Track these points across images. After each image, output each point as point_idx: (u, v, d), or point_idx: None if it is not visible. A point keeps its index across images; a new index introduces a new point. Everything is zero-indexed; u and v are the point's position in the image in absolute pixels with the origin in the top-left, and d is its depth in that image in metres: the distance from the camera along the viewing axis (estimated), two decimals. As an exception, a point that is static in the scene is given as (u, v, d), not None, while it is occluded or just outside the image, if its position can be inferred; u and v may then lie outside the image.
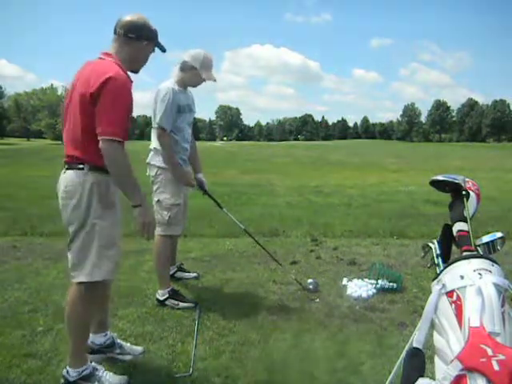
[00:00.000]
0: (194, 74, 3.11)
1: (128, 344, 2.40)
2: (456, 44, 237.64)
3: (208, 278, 3.71)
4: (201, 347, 2.48)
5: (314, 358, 2.39)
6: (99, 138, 1.89)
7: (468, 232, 1.50)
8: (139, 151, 3.22)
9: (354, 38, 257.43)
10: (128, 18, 2.10)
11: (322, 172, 15.97)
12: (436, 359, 1.29)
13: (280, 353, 2.45)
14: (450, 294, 1.30)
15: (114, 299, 2.90)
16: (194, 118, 3.37)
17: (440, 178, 1.68)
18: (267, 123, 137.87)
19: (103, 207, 1.98)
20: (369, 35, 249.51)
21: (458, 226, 1.53)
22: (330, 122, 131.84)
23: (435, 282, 1.38)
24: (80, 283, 2.00)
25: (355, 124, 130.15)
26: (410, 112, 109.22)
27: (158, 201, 3.09)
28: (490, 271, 1.29)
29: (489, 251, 1.50)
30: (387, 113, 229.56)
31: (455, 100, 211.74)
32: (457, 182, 1.61)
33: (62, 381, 2.04)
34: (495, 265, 1.33)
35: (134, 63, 2.13)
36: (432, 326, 1.33)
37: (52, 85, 69.84)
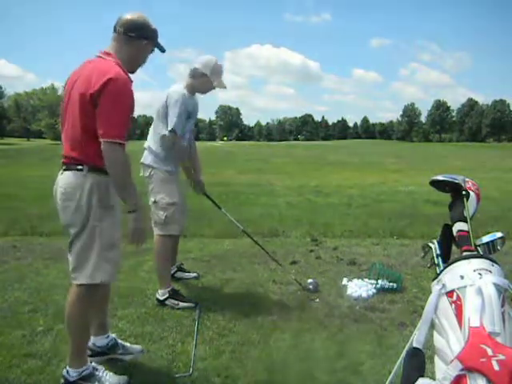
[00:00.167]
0: (204, 81, 3.13)
1: (128, 344, 2.40)
2: (456, 44, 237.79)
3: (208, 278, 3.71)
4: (201, 347, 2.48)
5: (314, 358, 2.39)
6: (101, 139, 1.87)
7: (468, 232, 1.50)
8: (139, 151, 3.21)
9: (353, 38, 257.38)
10: (128, 16, 2.08)
11: (322, 172, 15.96)
12: (436, 359, 1.29)
13: (280, 353, 2.45)
14: (450, 293, 1.30)
15: (114, 299, 2.90)
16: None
17: (440, 178, 1.67)
18: (267, 123, 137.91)
19: (103, 209, 1.95)
20: (369, 35, 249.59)
21: (458, 226, 1.53)
22: (330, 122, 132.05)
23: (435, 282, 1.38)
24: (80, 285, 2.00)
25: (355, 124, 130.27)
26: (410, 112, 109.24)
27: (154, 201, 3.10)
28: (490, 271, 1.29)
29: (489, 251, 1.50)
30: (387, 113, 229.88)
31: (455, 100, 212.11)
32: (457, 182, 1.61)
33: (62, 381, 2.04)
34: (495, 265, 1.33)
35: (134, 63, 2.11)
36: (432, 325, 1.33)
37: (52, 85, 69.82)
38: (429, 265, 1.59)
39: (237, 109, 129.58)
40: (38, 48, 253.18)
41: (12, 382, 2.10)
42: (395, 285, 3.40)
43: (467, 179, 1.63)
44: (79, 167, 1.94)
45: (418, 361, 1.30)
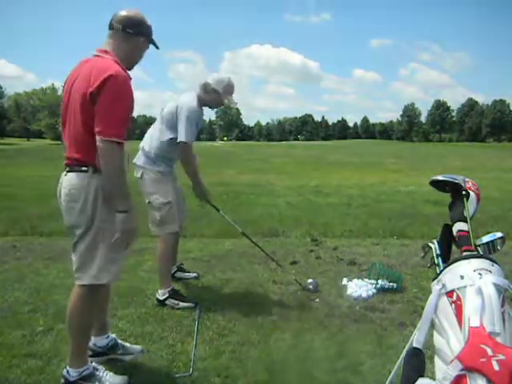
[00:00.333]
0: (215, 97, 3.17)
1: (128, 344, 2.40)
2: (456, 44, 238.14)
3: (208, 278, 3.71)
4: (201, 347, 2.48)
5: (314, 358, 2.39)
6: (98, 137, 1.84)
7: (468, 232, 1.50)
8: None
9: (353, 38, 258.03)
10: (125, 12, 2.05)
11: (322, 172, 15.96)
12: (436, 359, 1.29)
13: (280, 353, 2.45)
14: (450, 293, 1.30)
15: (114, 299, 2.90)
16: None
17: (440, 178, 1.68)
18: (267, 123, 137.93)
19: (108, 210, 1.93)
20: (368, 35, 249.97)
21: (458, 226, 1.53)
22: (330, 122, 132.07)
23: (435, 282, 1.38)
24: (84, 285, 1.99)
25: (355, 124, 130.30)
26: (410, 112, 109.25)
27: (149, 202, 3.11)
28: (490, 271, 1.29)
29: (489, 251, 1.50)
30: (387, 113, 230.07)
31: (455, 100, 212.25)
32: (457, 182, 1.61)
33: (62, 381, 2.03)
34: (495, 265, 1.33)
35: (131, 60, 2.09)
36: (432, 325, 1.33)
37: (52, 85, 69.76)
38: (429, 265, 1.59)
39: (237, 109, 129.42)
40: (38, 48, 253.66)
41: (12, 382, 2.10)
42: (395, 285, 3.40)
43: (467, 179, 1.63)
44: (84, 168, 1.93)
45: (418, 361, 1.30)
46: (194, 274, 3.68)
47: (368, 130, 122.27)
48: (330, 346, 2.51)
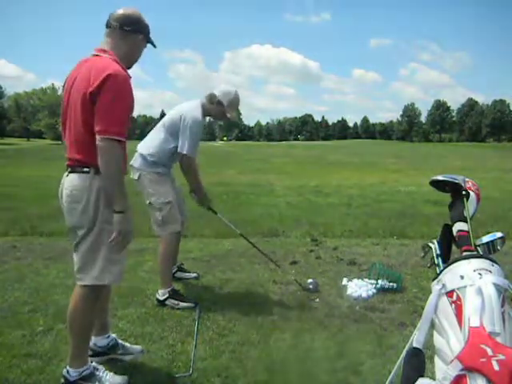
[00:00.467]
0: (219, 110, 3.18)
1: (128, 344, 2.40)
2: (456, 44, 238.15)
3: (208, 278, 3.71)
4: (201, 347, 2.47)
5: (314, 358, 2.39)
6: (98, 136, 1.83)
7: (468, 232, 1.50)
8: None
9: (353, 38, 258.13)
10: (123, 11, 2.04)
11: (322, 172, 15.97)
12: (436, 359, 1.29)
13: (280, 353, 2.45)
14: (450, 293, 1.30)
15: (114, 299, 2.90)
16: None
17: (440, 178, 1.68)
18: (267, 123, 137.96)
19: (110, 211, 1.93)
20: (368, 35, 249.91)
21: (458, 226, 1.53)
22: (330, 122, 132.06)
23: (435, 282, 1.38)
24: (85, 286, 1.99)
25: (355, 124, 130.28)
26: (410, 112, 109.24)
27: (150, 203, 3.11)
28: (490, 271, 1.29)
29: (489, 251, 1.50)
30: (387, 113, 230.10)
31: (455, 100, 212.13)
32: (457, 182, 1.61)
33: (63, 381, 2.03)
34: (495, 265, 1.33)
35: (130, 58, 2.08)
36: (432, 325, 1.33)
37: (52, 85, 69.76)
38: (429, 265, 1.59)
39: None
40: (38, 48, 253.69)
41: (12, 382, 2.10)
42: (395, 285, 3.40)
43: (467, 179, 1.63)
44: (85, 169, 1.92)
45: (418, 361, 1.30)
46: (194, 274, 3.68)
47: (368, 130, 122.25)
48: (329, 346, 2.51)
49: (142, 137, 3.31)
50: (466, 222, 1.52)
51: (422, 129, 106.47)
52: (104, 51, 2.00)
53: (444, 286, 1.32)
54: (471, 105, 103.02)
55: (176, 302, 3.04)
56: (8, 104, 80.00)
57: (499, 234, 1.53)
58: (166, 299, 3.05)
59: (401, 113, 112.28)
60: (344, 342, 2.55)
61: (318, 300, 3.24)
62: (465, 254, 1.44)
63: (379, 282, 3.39)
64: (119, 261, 2.02)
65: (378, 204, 7.98)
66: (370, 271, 3.67)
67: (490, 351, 1.12)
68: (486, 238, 1.52)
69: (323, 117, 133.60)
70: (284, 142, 76.40)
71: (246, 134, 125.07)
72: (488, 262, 1.33)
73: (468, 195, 1.57)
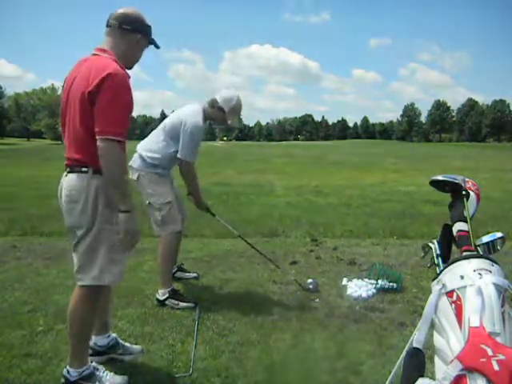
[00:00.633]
0: (220, 115, 3.18)
1: (128, 344, 2.40)
2: (456, 44, 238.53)
3: (208, 277, 3.71)
4: (201, 347, 2.47)
5: (314, 358, 2.39)
6: (98, 137, 1.82)
7: (468, 232, 1.50)
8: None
9: (353, 38, 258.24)
10: (122, 10, 2.05)
11: (322, 172, 15.95)
12: (436, 359, 1.29)
13: (280, 353, 2.45)
14: (450, 293, 1.30)
15: (114, 299, 2.88)
16: None
17: (440, 178, 1.67)
18: (267, 123, 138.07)
19: (110, 211, 1.93)
20: (368, 35, 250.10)
21: (458, 226, 1.53)
22: (330, 122, 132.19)
23: (435, 281, 1.38)
24: (85, 286, 1.99)
25: (355, 124, 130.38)
26: (410, 112, 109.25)
27: (149, 203, 3.11)
28: (490, 271, 1.29)
29: (489, 251, 1.50)
30: (387, 113, 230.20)
31: (455, 100, 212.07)
32: (457, 182, 1.61)
33: (63, 381, 2.03)
34: (495, 265, 1.33)
35: (129, 57, 2.07)
36: (432, 325, 1.33)
37: (52, 85, 69.78)
38: (429, 265, 1.59)
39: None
40: (38, 48, 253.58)
41: (12, 382, 2.10)
42: (395, 285, 3.40)
43: (467, 179, 1.63)
44: (84, 169, 1.92)
45: (418, 361, 1.30)
46: (194, 274, 3.68)
47: (368, 130, 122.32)
48: (330, 346, 2.51)
49: (141, 137, 3.30)
50: (466, 221, 1.52)
51: (422, 129, 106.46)
52: (104, 51, 2.00)
53: (444, 285, 1.32)
54: (471, 105, 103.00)
55: (176, 302, 3.04)
56: (8, 104, 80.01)
57: (499, 234, 1.53)
58: (165, 299, 3.05)
59: (401, 113, 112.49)
60: (344, 342, 2.55)
61: (317, 300, 3.24)
62: (465, 253, 1.44)
63: (379, 281, 3.39)
64: (120, 261, 2.02)
65: (378, 204, 7.98)
66: (369, 271, 3.67)
67: (490, 351, 1.12)
68: (485, 238, 1.52)
69: (323, 117, 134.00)
70: (284, 142, 76.42)
71: (246, 134, 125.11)
72: (488, 262, 1.33)
73: (468, 195, 1.57)
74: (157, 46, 2.21)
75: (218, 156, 25.12)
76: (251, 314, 2.93)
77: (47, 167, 14.26)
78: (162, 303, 3.06)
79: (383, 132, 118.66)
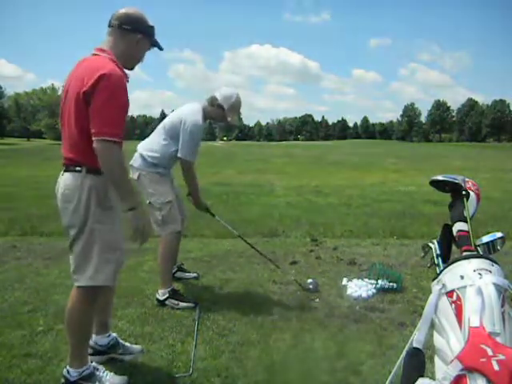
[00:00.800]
0: (219, 113, 3.17)
1: (128, 344, 2.40)
2: (456, 44, 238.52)
3: (208, 277, 3.71)
4: (201, 347, 2.47)
5: (314, 358, 2.39)
6: (94, 138, 1.82)
7: (468, 232, 1.50)
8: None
9: (353, 38, 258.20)
10: (123, 10, 2.05)
11: (322, 172, 15.95)
12: (436, 359, 1.29)
13: (280, 353, 2.45)
14: (450, 293, 1.30)
15: (114, 299, 2.89)
16: None
17: (440, 178, 1.67)
18: (267, 123, 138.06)
19: (102, 210, 1.93)
20: (368, 35, 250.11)
21: (458, 226, 1.53)
22: (330, 122, 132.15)
23: (435, 281, 1.38)
24: (81, 286, 1.99)
25: (355, 124, 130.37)
26: (410, 112, 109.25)
27: (150, 203, 3.11)
28: (490, 271, 1.29)
29: (489, 251, 1.50)
30: (387, 113, 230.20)
31: (455, 100, 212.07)
32: (457, 182, 1.61)
33: (63, 381, 2.03)
34: (495, 265, 1.33)
35: (128, 58, 2.06)
36: (432, 325, 1.33)
37: (52, 85, 69.68)
38: (429, 265, 1.59)
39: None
40: (38, 48, 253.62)
41: (12, 382, 2.10)
42: (395, 285, 3.40)
43: (467, 179, 1.63)
44: (78, 168, 1.92)
45: (418, 361, 1.30)
46: (194, 274, 3.68)
47: (368, 130, 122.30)
48: (330, 346, 2.51)
49: (141, 137, 3.31)
50: (466, 221, 1.52)
51: (421, 129, 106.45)
52: (103, 50, 2.00)
53: (444, 285, 1.32)
54: (471, 105, 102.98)
55: (176, 302, 3.04)
56: (8, 104, 79.95)
57: (499, 234, 1.53)
58: (165, 299, 3.05)
59: (401, 113, 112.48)
60: (344, 342, 2.55)
61: (317, 300, 3.24)
62: (465, 253, 1.44)
63: (379, 281, 3.39)
64: (113, 261, 2.00)
65: (378, 204, 7.98)
66: (370, 271, 3.67)
67: (490, 351, 1.12)
68: (486, 238, 1.52)
69: (323, 117, 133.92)
70: (284, 142, 76.42)
71: (246, 134, 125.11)
72: (488, 261, 1.33)
73: (468, 195, 1.57)
74: (160, 48, 2.20)
75: (218, 156, 25.12)
76: (251, 314, 2.93)
77: (47, 167, 14.25)
78: (161, 303, 3.06)
79: (383, 132, 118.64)
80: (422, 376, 1.24)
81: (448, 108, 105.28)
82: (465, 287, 1.27)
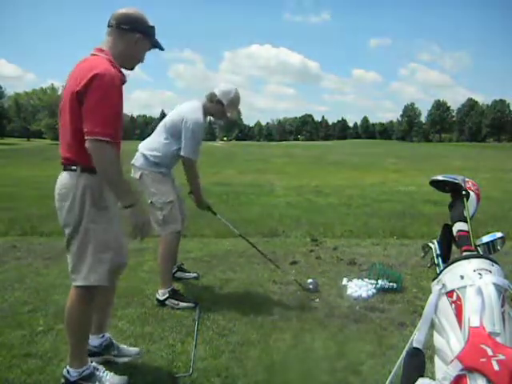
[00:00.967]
0: (219, 109, 3.17)
1: (124, 346, 2.39)
2: (456, 44, 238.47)
3: (208, 277, 3.71)
4: (201, 347, 2.47)
5: (314, 358, 2.39)
6: (86, 137, 1.82)
7: (468, 232, 1.50)
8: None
9: (353, 38, 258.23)
10: (123, 10, 2.04)
11: (322, 172, 15.96)
12: (436, 359, 1.29)
13: (280, 353, 2.45)
14: (450, 293, 1.30)
15: (114, 299, 2.90)
16: None
17: (440, 177, 1.67)
18: (267, 123, 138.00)
19: (97, 210, 1.93)
20: (368, 35, 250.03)
21: (458, 226, 1.53)
22: (330, 122, 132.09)
23: (435, 281, 1.38)
24: (79, 286, 1.99)
25: (355, 124, 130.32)
26: (410, 112, 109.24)
27: (151, 202, 3.11)
28: (490, 271, 1.29)
29: (489, 251, 1.50)
30: (387, 113, 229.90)
31: (455, 100, 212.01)
32: (457, 181, 1.61)
33: (63, 381, 2.03)
34: (495, 265, 1.33)
35: (127, 57, 2.05)
36: (432, 325, 1.33)
37: (52, 85, 69.71)
38: (429, 265, 1.59)
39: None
40: (38, 48, 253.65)
41: (12, 382, 2.10)
42: (395, 285, 3.40)
43: (467, 179, 1.63)
44: (73, 168, 1.93)
45: (418, 361, 1.30)
46: (194, 274, 3.68)
47: (368, 130, 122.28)
48: (330, 346, 2.51)
49: (142, 137, 3.32)
50: (466, 221, 1.51)
51: (421, 129, 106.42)
52: (101, 50, 2.00)
53: (444, 285, 1.32)
54: (471, 105, 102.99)
55: (176, 302, 3.04)
56: (8, 104, 79.99)
57: (499, 234, 1.53)
58: (165, 299, 3.05)
59: (401, 113, 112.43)
60: (344, 342, 2.55)
61: (318, 300, 3.24)
62: (465, 253, 1.44)
63: (379, 281, 3.39)
64: (107, 261, 1.99)
65: (378, 204, 7.98)
66: (370, 271, 3.67)
67: (490, 351, 1.12)
68: (486, 238, 1.52)
69: (323, 117, 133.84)
70: (284, 142, 76.40)
71: (246, 134, 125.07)
72: (488, 262, 1.33)
73: (468, 195, 1.57)
74: (161, 48, 2.20)
75: (218, 156, 25.13)
76: (251, 314, 2.93)
77: (47, 167, 14.24)
78: (161, 303, 3.06)
79: (383, 132, 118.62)
80: (422, 376, 1.24)
81: (448, 108, 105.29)
82: (465, 287, 1.27)
